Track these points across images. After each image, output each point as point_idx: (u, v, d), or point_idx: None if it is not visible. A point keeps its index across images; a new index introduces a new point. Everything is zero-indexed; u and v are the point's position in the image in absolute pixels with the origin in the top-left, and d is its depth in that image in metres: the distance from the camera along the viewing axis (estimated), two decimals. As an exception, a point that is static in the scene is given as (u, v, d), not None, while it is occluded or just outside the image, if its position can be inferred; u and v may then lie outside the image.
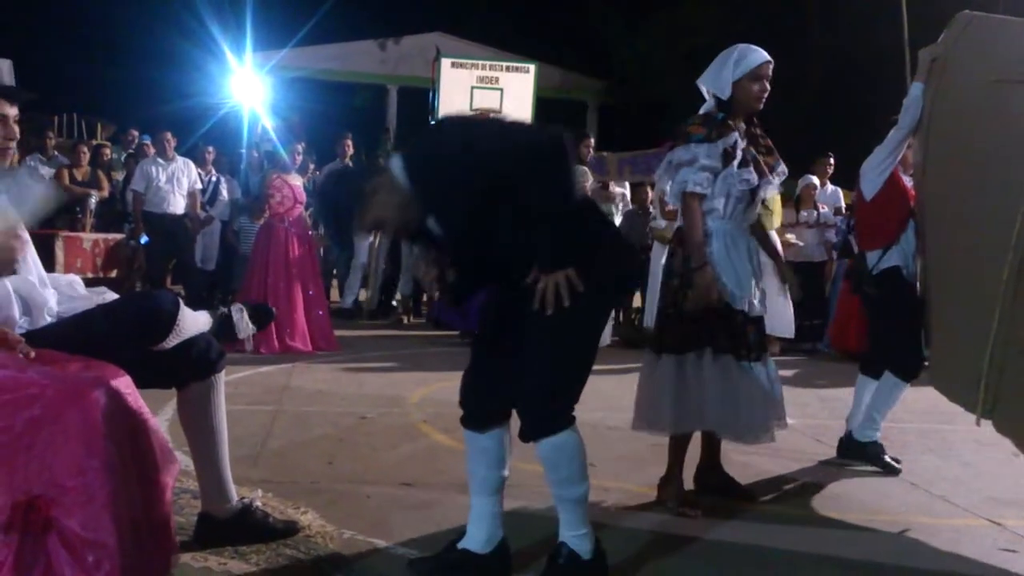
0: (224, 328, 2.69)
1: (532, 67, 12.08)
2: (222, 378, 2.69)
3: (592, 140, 8.76)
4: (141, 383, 2.29)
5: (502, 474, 2.61)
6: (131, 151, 10.37)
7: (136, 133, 10.75)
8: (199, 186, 8.80)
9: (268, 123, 9.87)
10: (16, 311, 2.34)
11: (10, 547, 1.96)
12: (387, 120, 19.00)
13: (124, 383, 2.19)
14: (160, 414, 3.83)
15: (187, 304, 2.50)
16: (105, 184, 9.23)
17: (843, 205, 8.95)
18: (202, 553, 2.63)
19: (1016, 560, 3.02)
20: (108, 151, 10.13)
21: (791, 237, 8.27)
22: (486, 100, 11.59)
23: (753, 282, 3.33)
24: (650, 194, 8.68)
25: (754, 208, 3.39)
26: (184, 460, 2.89)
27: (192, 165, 8.75)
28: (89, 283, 2.78)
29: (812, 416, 5.28)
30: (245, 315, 2.74)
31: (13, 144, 2.44)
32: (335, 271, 10.40)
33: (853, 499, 3.66)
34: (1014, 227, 3.07)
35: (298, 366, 6.22)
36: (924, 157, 3.77)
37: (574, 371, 2.49)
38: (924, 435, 4.73)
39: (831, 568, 2.90)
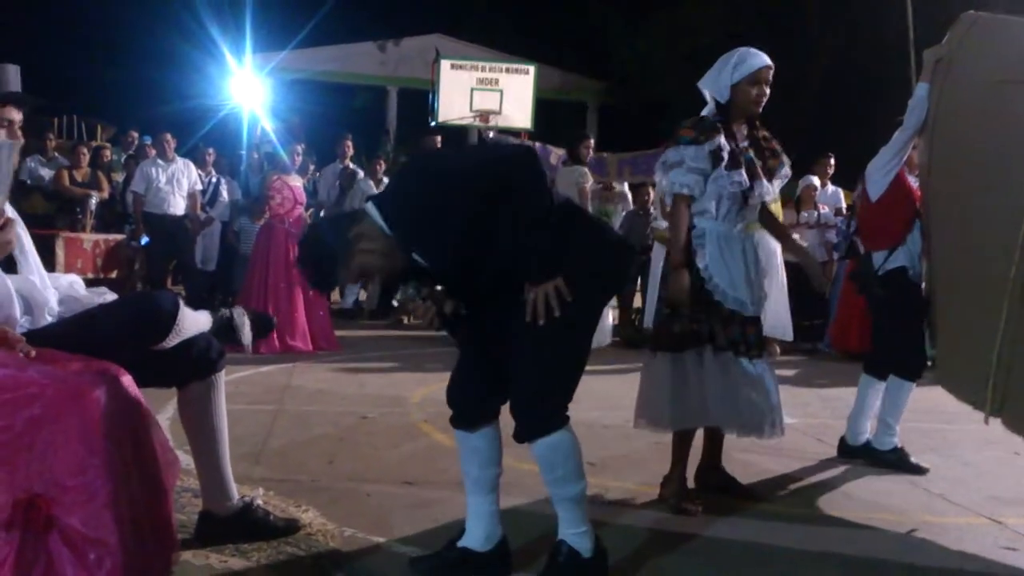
0: (225, 330, 2.70)
1: (532, 68, 12.08)
2: (222, 377, 2.70)
3: (592, 141, 8.75)
4: (142, 382, 2.29)
5: (496, 472, 2.62)
6: (131, 152, 10.39)
7: (136, 134, 10.78)
8: (199, 187, 8.80)
9: (268, 124, 9.88)
10: (17, 310, 2.34)
11: (11, 545, 1.97)
12: (387, 122, 19.03)
13: (125, 382, 2.20)
14: (161, 413, 3.83)
15: (187, 305, 2.51)
16: (105, 185, 9.26)
17: (844, 206, 8.93)
18: (203, 551, 2.64)
19: (1017, 558, 3.02)
20: (108, 152, 10.15)
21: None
22: (486, 101, 11.60)
23: (750, 283, 3.34)
24: (651, 195, 8.67)
25: (750, 209, 3.40)
26: (185, 459, 2.90)
27: (192, 166, 8.75)
28: (90, 284, 2.79)
29: (813, 415, 5.28)
30: (247, 318, 2.75)
31: (18, 148, 2.45)
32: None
33: (854, 498, 3.66)
34: (1020, 225, 3.07)
35: (299, 366, 6.23)
36: (929, 157, 3.77)
37: (567, 371, 2.48)
38: (925, 434, 4.73)
39: (832, 565, 2.90)
